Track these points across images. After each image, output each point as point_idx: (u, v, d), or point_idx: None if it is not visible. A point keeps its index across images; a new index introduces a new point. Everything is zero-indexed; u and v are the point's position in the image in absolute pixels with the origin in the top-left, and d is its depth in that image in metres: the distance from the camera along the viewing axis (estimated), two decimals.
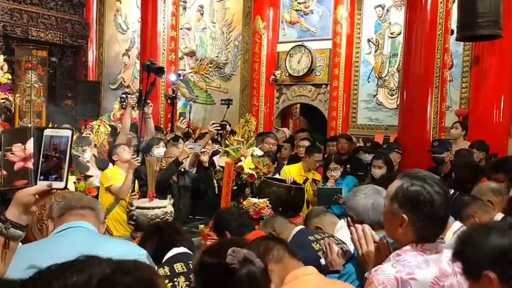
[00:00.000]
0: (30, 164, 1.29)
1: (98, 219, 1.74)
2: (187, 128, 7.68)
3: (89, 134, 6.06)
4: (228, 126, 7.01)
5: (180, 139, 6.03)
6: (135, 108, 5.13)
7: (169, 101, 9.30)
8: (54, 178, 1.30)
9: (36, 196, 1.29)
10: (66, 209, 1.66)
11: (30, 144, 1.29)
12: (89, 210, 1.69)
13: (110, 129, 6.59)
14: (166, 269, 2.06)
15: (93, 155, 5.37)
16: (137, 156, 4.37)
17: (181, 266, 2.09)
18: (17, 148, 1.29)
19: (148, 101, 5.17)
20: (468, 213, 2.96)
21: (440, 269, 1.63)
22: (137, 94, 5.01)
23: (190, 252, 2.23)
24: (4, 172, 1.30)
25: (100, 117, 8.01)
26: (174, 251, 2.18)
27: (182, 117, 8.10)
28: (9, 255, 1.27)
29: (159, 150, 4.90)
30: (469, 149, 5.70)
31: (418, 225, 1.66)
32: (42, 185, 1.29)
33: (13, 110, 10.85)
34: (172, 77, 9.48)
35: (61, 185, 1.31)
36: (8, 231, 1.25)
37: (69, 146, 1.31)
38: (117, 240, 1.97)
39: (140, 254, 1.64)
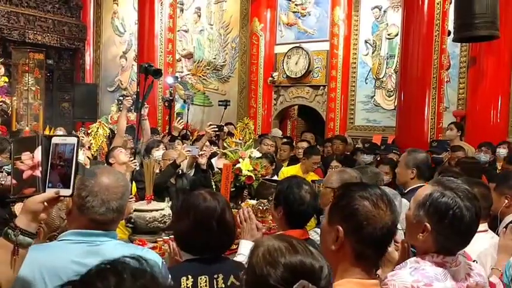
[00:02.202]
0: (38, 172, 1.31)
1: (122, 216, 1.68)
2: (184, 130, 7.66)
3: (83, 137, 6.05)
4: (226, 127, 7.01)
5: (177, 140, 6.02)
6: (133, 111, 5.12)
7: (166, 104, 9.30)
8: (62, 185, 1.32)
9: (45, 204, 1.30)
10: (88, 208, 1.55)
11: (38, 153, 1.31)
12: (115, 215, 1.61)
13: (108, 131, 6.58)
14: (190, 282, 1.89)
15: (88, 157, 5.37)
16: (134, 158, 4.36)
17: (205, 282, 1.92)
18: (25, 157, 1.31)
19: (143, 103, 5.17)
20: (504, 192, 2.88)
21: (458, 283, 1.59)
22: (134, 96, 5.02)
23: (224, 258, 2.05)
24: (14, 181, 1.32)
25: (99, 120, 8.00)
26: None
27: (179, 118, 8.10)
28: (18, 262, 1.29)
29: (158, 153, 4.89)
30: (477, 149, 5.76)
31: (441, 237, 1.60)
32: (50, 192, 1.31)
33: (10, 113, 10.86)
34: (170, 80, 9.47)
35: (68, 192, 1.33)
36: (17, 238, 1.27)
37: (75, 153, 1.32)
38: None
39: (157, 263, 1.64)
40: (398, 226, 2.16)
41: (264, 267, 1.15)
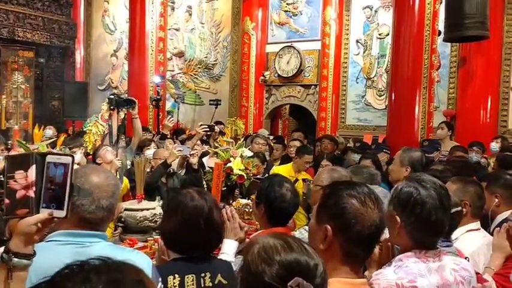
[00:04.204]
0: (31, 193, 1.27)
1: (112, 216, 1.67)
2: (184, 135, 7.63)
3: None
4: (217, 127, 6.99)
5: (167, 138, 6.00)
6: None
7: (154, 104, 9.25)
8: (56, 206, 1.28)
9: (39, 225, 1.27)
10: (78, 206, 1.54)
11: (32, 172, 1.27)
12: (106, 214, 1.60)
13: (101, 130, 6.51)
14: (176, 280, 1.89)
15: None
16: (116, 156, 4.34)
17: (192, 281, 1.91)
18: (19, 175, 1.27)
19: (135, 101, 5.13)
20: (494, 191, 2.89)
21: (443, 278, 1.60)
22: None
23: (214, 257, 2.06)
24: (7, 200, 1.28)
25: (96, 118, 7.93)
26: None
27: (170, 116, 8.06)
28: (14, 285, 1.26)
29: (150, 152, 4.87)
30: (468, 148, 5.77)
31: (409, 227, 1.63)
32: (43, 213, 1.27)
33: None
34: (157, 79, 9.43)
35: (62, 214, 1.29)
36: (11, 263, 1.24)
37: (69, 175, 1.28)
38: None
39: (146, 265, 1.62)
40: None
41: (259, 265, 1.15)
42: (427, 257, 1.62)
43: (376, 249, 1.77)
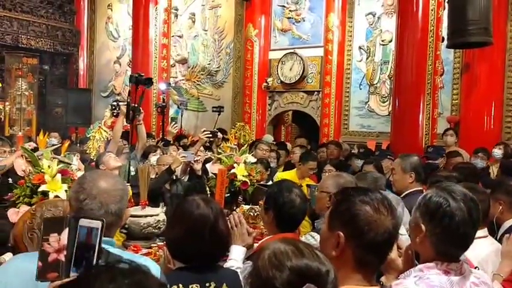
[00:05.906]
0: (62, 256, 1.27)
1: (121, 221, 1.66)
2: (186, 140, 7.64)
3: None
4: (220, 133, 6.98)
5: (171, 145, 6.00)
6: (125, 122, 5.05)
7: (159, 110, 9.28)
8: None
9: None
10: (86, 210, 1.53)
11: (64, 235, 1.28)
12: (114, 218, 1.59)
13: (104, 137, 6.52)
14: None
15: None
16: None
17: None
18: (52, 238, 1.28)
19: (140, 108, 5.14)
20: (498, 197, 2.87)
21: None
22: (125, 104, 4.97)
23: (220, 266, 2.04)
24: (39, 263, 1.28)
25: (99, 125, 7.95)
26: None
27: (174, 122, 8.07)
28: None
29: (155, 158, 4.86)
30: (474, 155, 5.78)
31: (435, 238, 1.58)
32: (72, 278, 1.25)
33: (3, 118, 10.79)
34: (162, 86, 9.46)
35: None
36: None
37: (98, 238, 1.27)
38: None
39: (155, 270, 1.59)
40: (403, 231, 2.11)
41: (269, 270, 1.13)
42: (449, 269, 1.58)
43: (395, 255, 1.73)
